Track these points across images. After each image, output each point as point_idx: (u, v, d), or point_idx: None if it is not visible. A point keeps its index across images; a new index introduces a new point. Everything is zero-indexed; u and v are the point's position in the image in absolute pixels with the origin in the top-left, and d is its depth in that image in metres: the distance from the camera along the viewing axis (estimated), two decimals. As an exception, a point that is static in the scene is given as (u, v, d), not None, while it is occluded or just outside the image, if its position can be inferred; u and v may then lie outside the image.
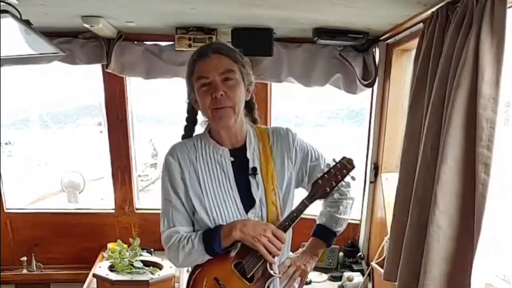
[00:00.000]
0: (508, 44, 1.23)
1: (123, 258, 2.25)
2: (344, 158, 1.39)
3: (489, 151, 1.27)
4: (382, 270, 1.86)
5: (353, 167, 1.40)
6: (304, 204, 1.37)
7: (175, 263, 1.42)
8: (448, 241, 1.37)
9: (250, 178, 1.38)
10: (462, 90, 1.30)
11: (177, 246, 1.35)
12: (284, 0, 1.68)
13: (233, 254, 1.34)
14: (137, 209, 2.83)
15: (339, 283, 2.37)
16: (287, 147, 1.43)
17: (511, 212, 1.54)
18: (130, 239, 2.39)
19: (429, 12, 1.57)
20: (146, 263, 2.29)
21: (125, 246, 2.32)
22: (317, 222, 1.56)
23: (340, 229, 1.54)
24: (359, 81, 2.33)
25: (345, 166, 1.38)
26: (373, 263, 2.27)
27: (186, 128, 1.47)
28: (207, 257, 1.34)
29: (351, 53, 2.34)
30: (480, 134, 1.27)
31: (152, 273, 2.20)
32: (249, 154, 1.40)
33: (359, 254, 2.53)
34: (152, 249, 2.61)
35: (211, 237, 1.32)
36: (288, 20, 2.02)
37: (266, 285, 1.36)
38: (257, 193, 1.38)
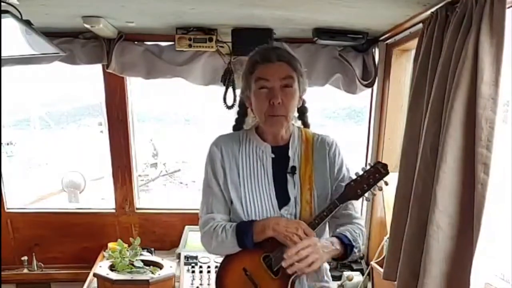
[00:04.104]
0: (507, 44, 1.23)
1: (124, 257, 2.26)
2: (379, 163, 1.42)
3: (489, 151, 1.27)
4: (381, 270, 1.86)
5: (387, 172, 1.42)
6: (335, 204, 1.40)
7: (208, 248, 1.48)
8: (447, 240, 1.37)
9: (288, 176, 1.42)
10: (461, 90, 1.30)
11: (211, 233, 1.40)
12: (284, 0, 1.69)
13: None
14: (137, 208, 2.83)
15: (338, 282, 2.38)
16: (328, 154, 1.47)
17: (510, 211, 1.54)
18: (131, 239, 2.39)
19: (429, 12, 1.57)
20: (147, 263, 2.30)
21: (126, 245, 2.33)
22: (339, 232, 1.47)
23: (356, 248, 1.44)
24: (359, 81, 2.33)
25: (379, 170, 1.41)
26: (372, 263, 2.27)
27: (237, 120, 1.55)
28: (238, 249, 1.38)
29: (351, 53, 2.35)
30: (480, 134, 1.28)
31: (152, 273, 2.20)
32: (291, 153, 1.44)
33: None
34: (153, 249, 2.62)
35: (244, 232, 1.36)
36: (288, 20, 2.02)
37: (291, 281, 1.38)
38: (293, 191, 1.42)
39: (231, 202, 1.44)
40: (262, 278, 1.39)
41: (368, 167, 1.42)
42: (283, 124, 1.38)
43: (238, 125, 1.55)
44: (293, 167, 1.43)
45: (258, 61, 1.38)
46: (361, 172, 1.42)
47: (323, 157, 1.46)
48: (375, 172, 1.41)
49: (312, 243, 1.35)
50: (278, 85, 1.34)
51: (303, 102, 1.52)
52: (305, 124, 1.56)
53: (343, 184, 1.45)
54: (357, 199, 1.42)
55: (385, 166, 1.41)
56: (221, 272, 1.46)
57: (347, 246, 1.42)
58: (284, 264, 1.31)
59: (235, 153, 1.44)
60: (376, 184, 1.42)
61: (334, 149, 1.47)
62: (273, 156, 1.44)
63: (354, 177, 1.45)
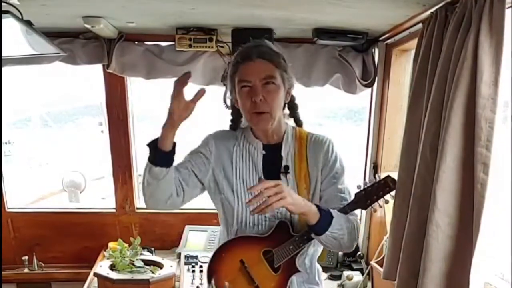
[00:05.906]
0: (507, 44, 1.24)
1: (124, 257, 2.26)
2: (388, 177, 1.46)
3: (488, 151, 1.27)
4: (381, 269, 1.87)
5: (395, 187, 1.46)
6: (345, 211, 1.40)
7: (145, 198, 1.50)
8: (447, 240, 1.38)
9: (281, 175, 1.42)
10: (461, 90, 1.31)
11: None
12: (284, 0, 1.69)
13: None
14: (137, 208, 2.84)
15: (338, 282, 2.38)
16: (321, 154, 1.45)
17: (510, 211, 1.55)
18: (131, 238, 2.39)
19: (428, 12, 1.58)
20: (147, 262, 2.30)
21: (126, 245, 2.33)
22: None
23: (336, 234, 1.34)
24: (359, 81, 2.33)
25: (388, 184, 1.44)
26: (372, 262, 2.28)
27: (232, 120, 1.56)
28: (162, 173, 1.33)
29: (351, 53, 2.35)
30: (479, 134, 1.28)
31: (153, 272, 2.21)
32: (283, 153, 1.44)
33: (359, 253, 2.53)
34: (153, 248, 2.62)
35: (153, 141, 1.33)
36: (288, 20, 2.02)
37: (290, 278, 1.38)
38: None
39: (218, 193, 1.44)
40: (260, 273, 1.38)
41: (377, 178, 1.46)
42: (269, 121, 1.37)
43: (234, 124, 1.55)
44: (286, 167, 1.43)
45: (239, 61, 1.39)
46: (369, 183, 1.46)
47: (317, 155, 1.44)
48: (385, 186, 1.44)
49: (277, 184, 1.26)
50: (259, 83, 1.34)
51: (293, 98, 1.51)
52: (297, 121, 1.55)
53: (335, 181, 1.44)
54: (365, 208, 1.44)
55: (394, 181, 1.45)
56: (215, 261, 1.42)
57: (323, 213, 1.30)
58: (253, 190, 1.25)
59: (229, 148, 1.47)
60: (383, 197, 1.45)
61: (328, 146, 1.45)
62: (264, 153, 1.44)
63: (348, 178, 1.47)
